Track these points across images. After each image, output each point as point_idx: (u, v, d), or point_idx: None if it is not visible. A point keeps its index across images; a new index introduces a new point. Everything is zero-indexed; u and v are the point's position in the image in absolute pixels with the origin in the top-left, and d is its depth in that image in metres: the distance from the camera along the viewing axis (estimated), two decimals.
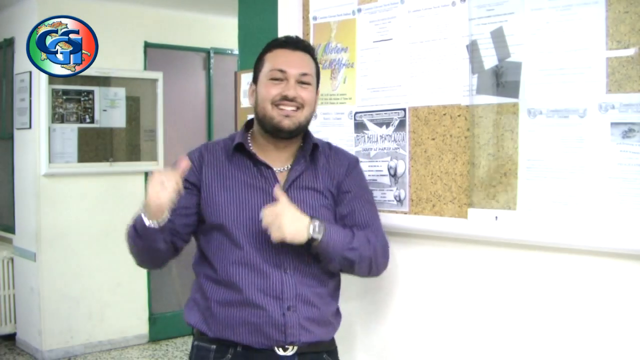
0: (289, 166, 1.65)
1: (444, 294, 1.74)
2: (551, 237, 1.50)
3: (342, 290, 1.90)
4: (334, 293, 1.70)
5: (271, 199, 1.56)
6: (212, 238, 1.62)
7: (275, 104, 1.59)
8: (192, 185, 1.62)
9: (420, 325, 1.80)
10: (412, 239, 1.80)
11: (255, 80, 1.67)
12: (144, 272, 4.72)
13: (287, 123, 1.59)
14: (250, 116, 1.75)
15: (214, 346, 1.60)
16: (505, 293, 1.61)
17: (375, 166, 1.87)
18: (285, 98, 1.59)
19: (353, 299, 1.94)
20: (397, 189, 1.82)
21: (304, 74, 1.61)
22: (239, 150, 1.65)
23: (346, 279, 1.88)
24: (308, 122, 1.66)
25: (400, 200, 1.81)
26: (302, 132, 1.66)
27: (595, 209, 1.44)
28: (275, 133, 1.61)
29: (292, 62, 1.61)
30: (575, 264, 1.48)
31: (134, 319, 4.75)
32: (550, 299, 1.53)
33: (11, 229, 4.74)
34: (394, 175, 1.83)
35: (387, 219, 1.82)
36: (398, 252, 1.84)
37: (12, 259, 4.67)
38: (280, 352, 1.57)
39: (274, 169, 1.63)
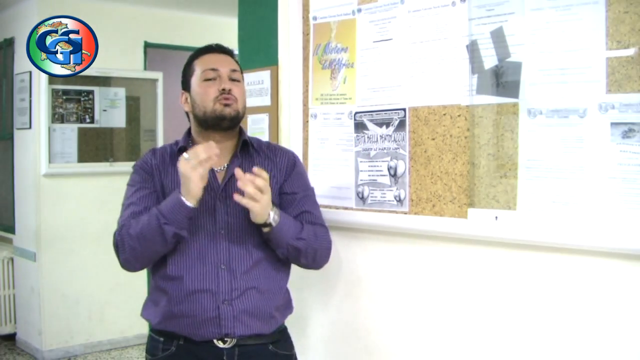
0: (226, 166, 1.75)
1: (444, 294, 1.74)
2: (551, 237, 1.50)
3: (341, 287, 1.90)
4: (278, 288, 1.75)
5: (212, 198, 1.69)
6: None
7: (217, 99, 1.70)
8: (153, 188, 1.74)
9: (420, 326, 1.80)
10: (412, 239, 1.80)
11: (186, 87, 1.80)
12: (143, 272, 4.70)
13: (228, 111, 1.71)
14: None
15: (162, 338, 1.72)
16: (505, 293, 1.61)
17: (375, 166, 1.87)
18: (223, 92, 1.71)
19: (350, 297, 1.94)
20: (397, 189, 1.82)
21: (234, 70, 1.76)
22: (182, 153, 1.72)
23: (350, 279, 1.88)
24: (243, 115, 1.77)
25: (400, 200, 1.81)
26: (238, 124, 1.77)
27: (595, 209, 1.43)
28: (218, 123, 1.72)
29: (221, 62, 1.76)
30: (575, 264, 1.48)
31: (134, 319, 4.73)
32: (550, 299, 1.52)
33: (11, 229, 4.74)
34: (394, 175, 1.83)
35: (387, 219, 1.82)
36: (398, 252, 1.84)
37: (12, 259, 4.68)
38: (220, 344, 1.66)
39: (214, 169, 1.72)
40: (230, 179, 1.71)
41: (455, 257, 1.71)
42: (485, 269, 1.65)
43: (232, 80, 1.74)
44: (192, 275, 1.67)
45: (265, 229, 1.65)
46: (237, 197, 1.58)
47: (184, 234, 1.62)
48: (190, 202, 1.59)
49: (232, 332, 1.65)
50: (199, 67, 1.75)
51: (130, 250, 1.68)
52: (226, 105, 1.70)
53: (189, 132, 1.81)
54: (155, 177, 1.74)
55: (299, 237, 1.69)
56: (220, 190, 1.70)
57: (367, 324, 1.93)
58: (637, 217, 1.37)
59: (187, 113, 1.80)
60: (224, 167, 1.74)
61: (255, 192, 1.57)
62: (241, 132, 1.80)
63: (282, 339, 1.77)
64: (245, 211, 1.64)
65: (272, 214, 1.63)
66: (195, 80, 1.75)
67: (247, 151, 1.77)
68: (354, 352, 1.97)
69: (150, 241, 1.63)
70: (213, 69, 1.73)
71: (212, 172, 1.70)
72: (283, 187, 1.77)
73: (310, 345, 2.09)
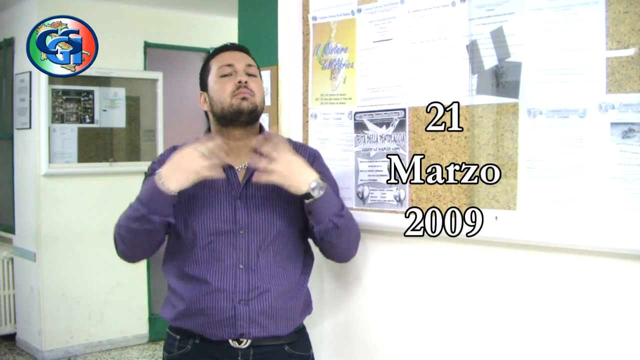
0: (247, 164, 1.74)
1: (444, 294, 1.74)
2: (551, 237, 1.50)
3: (340, 287, 1.89)
4: (298, 289, 1.74)
5: (233, 197, 1.68)
6: (179, 236, 1.71)
7: (233, 94, 1.69)
8: None
9: (420, 326, 1.80)
10: (411, 238, 1.80)
11: (204, 87, 1.79)
12: (144, 272, 4.73)
13: (245, 104, 1.69)
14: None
15: (178, 336, 1.72)
16: (505, 293, 1.61)
17: (375, 166, 1.87)
18: (239, 85, 1.70)
19: (349, 297, 1.94)
20: (397, 189, 1.82)
21: (250, 65, 1.75)
22: None
23: (350, 279, 1.88)
24: (262, 109, 1.75)
25: (400, 200, 1.81)
26: (257, 119, 1.75)
27: (595, 209, 1.43)
28: (237, 118, 1.70)
29: (237, 57, 1.76)
30: (575, 264, 1.48)
31: (134, 319, 4.76)
32: (550, 299, 1.52)
33: (11, 229, 4.74)
34: None
35: (387, 219, 1.82)
36: (398, 252, 1.84)
37: (12, 259, 4.68)
38: (235, 345, 1.66)
39: (235, 167, 1.72)
40: (251, 177, 1.70)
41: (455, 257, 1.71)
42: (485, 269, 1.65)
43: (249, 75, 1.73)
44: (209, 274, 1.65)
45: (307, 201, 1.61)
46: (257, 175, 1.60)
47: (171, 220, 1.61)
48: (170, 188, 1.56)
49: (248, 333, 1.65)
50: (215, 65, 1.75)
51: (120, 241, 1.68)
52: (243, 99, 1.69)
53: (208, 130, 1.80)
54: None
55: (341, 215, 1.66)
56: (241, 189, 1.70)
57: (366, 323, 1.93)
58: (637, 217, 1.37)
59: (206, 113, 1.79)
60: (244, 165, 1.73)
61: (264, 166, 1.59)
62: (261, 129, 1.80)
63: (299, 339, 1.76)
64: (267, 210, 1.67)
65: (313, 184, 1.60)
66: (212, 78, 1.75)
67: None
68: (353, 351, 1.97)
69: (137, 233, 1.62)
70: (229, 65, 1.73)
71: (232, 170, 1.71)
72: None
73: None
